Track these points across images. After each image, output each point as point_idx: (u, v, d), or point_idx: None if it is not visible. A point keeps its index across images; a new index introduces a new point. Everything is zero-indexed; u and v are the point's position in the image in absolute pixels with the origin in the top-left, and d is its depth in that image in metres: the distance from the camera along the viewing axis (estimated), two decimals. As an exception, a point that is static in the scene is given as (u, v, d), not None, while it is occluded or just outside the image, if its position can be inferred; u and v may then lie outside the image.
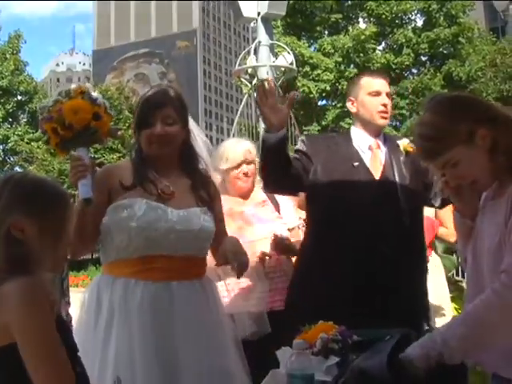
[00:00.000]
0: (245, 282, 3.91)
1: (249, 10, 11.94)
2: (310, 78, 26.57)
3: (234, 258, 3.01)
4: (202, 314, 3.01)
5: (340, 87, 26.61)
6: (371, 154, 3.70)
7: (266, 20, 12.05)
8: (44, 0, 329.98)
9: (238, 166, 4.12)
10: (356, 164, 3.63)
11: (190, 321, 2.95)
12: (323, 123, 28.48)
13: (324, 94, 27.54)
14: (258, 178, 4.10)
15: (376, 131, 3.73)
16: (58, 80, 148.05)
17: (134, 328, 2.82)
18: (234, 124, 15.24)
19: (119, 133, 3.48)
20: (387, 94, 3.74)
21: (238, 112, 14.32)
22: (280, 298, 3.94)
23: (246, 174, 4.14)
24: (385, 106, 3.69)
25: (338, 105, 27.27)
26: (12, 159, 32.40)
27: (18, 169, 32.90)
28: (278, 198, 4.31)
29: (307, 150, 3.66)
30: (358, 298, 3.44)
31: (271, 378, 2.40)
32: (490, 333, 2.16)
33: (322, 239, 3.64)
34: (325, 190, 3.60)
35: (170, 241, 2.99)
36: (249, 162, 4.13)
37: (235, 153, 4.14)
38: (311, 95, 27.40)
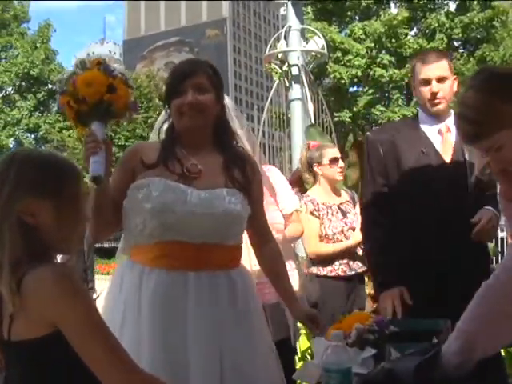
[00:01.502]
0: None
1: None
2: (342, 63, 26.40)
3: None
4: (221, 310, 2.69)
5: (372, 73, 26.43)
6: (442, 138, 3.59)
7: (296, 4, 12.02)
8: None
9: None
10: (425, 149, 3.54)
11: (205, 317, 2.65)
12: (354, 110, 28.27)
13: (355, 80, 27.29)
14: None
15: (441, 116, 3.61)
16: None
17: (144, 322, 2.59)
18: (264, 112, 15.09)
19: (138, 106, 3.30)
20: (439, 79, 3.55)
21: (268, 99, 14.16)
22: (270, 290, 3.77)
23: None
24: (433, 94, 3.54)
25: (370, 91, 27.09)
26: (43, 148, 32.68)
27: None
28: (274, 181, 4.13)
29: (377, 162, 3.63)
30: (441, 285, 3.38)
31: (305, 370, 2.29)
32: None
33: (396, 229, 3.52)
34: (394, 177, 3.58)
35: (188, 225, 2.69)
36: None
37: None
38: (342, 81, 27.19)
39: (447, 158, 3.54)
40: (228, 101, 3.09)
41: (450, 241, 3.40)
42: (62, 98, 2.74)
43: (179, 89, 2.82)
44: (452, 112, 3.59)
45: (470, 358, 2.17)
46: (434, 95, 3.55)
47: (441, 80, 3.56)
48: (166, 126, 2.99)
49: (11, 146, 35.09)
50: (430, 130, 3.62)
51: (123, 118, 2.91)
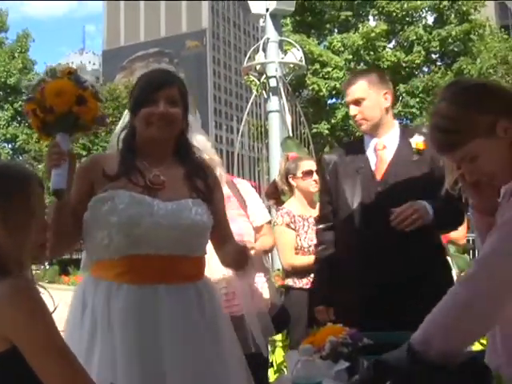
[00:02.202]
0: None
1: (257, 6, 12.07)
2: (320, 75, 26.58)
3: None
4: (193, 322, 2.66)
5: (350, 85, 26.60)
6: (377, 156, 3.66)
7: (275, 16, 12.16)
8: (55, 0, 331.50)
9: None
10: (361, 169, 3.64)
11: (178, 330, 2.61)
12: (333, 121, 28.43)
13: (334, 92, 27.44)
14: (223, 173, 3.97)
15: (378, 133, 3.68)
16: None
17: (117, 340, 2.50)
18: (242, 123, 15.13)
19: (107, 120, 3.16)
20: (355, 102, 3.66)
21: (246, 110, 14.22)
22: (239, 302, 3.79)
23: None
24: (354, 116, 3.69)
25: (348, 103, 27.28)
26: (21, 158, 32.52)
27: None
28: (244, 193, 4.15)
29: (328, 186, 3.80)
30: (372, 298, 3.44)
31: (278, 384, 2.29)
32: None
33: (336, 244, 3.79)
34: (335, 197, 3.75)
35: (155, 238, 2.64)
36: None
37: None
38: (321, 93, 27.35)
39: (379, 176, 3.61)
40: (191, 117, 3.03)
41: (379, 254, 3.49)
42: (27, 105, 2.66)
43: (151, 98, 2.76)
44: (394, 128, 3.69)
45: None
46: (354, 116, 3.67)
47: (357, 102, 3.65)
48: (123, 135, 2.90)
49: (-12, 155, 34.92)
50: (369, 149, 3.69)
51: (89, 131, 2.86)
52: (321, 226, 3.91)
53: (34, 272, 2.29)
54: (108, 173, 2.72)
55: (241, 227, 3.90)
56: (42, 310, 1.82)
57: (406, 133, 3.68)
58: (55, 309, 1.98)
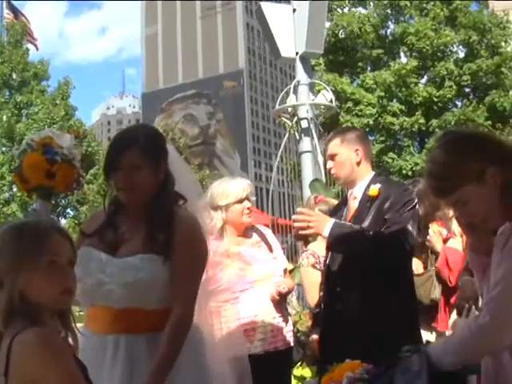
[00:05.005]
0: (249, 323, 4.08)
1: (287, 49, 12.07)
2: (353, 113, 26.58)
3: None
4: (138, 372, 2.67)
5: (383, 121, 26.63)
6: (349, 206, 4.02)
7: (304, 59, 12.20)
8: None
9: (242, 200, 4.26)
10: (338, 217, 3.97)
11: (127, 380, 2.66)
12: (368, 158, 28.25)
13: (367, 129, 27.59)
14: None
15: (349, 186, 4.05)
16: (109, 123, 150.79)
17: None
18: (276, 163, 15.43)
19: (83, 185, 3.34)
20: (330, 157, 3.99)
21: (280, 150, 14.50)
22: (282, 337, 4.22)
23: (249, 209, 4.30)
24: (329, 169, 4.05)
25: (381, 138, 27.23)
26: (64, 202, 33.02)
27: (69, 211, 33.62)
28: (270, 238, 4.48)
29: None
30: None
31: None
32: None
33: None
34: None
35: (104, 293, 2.75)
36: (249, 198, 4.31)
37: (237, 188, 4.27)
38: (354, 131, 27.16)
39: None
40: (176, 159, 3.05)
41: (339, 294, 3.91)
42: (13, 175, 2.96)
43: (114, 165, 2.82)
44: (365, 178, 3.97)
45: None
46: (329, 171, 4.04)
47: (332, 157, 3.98)
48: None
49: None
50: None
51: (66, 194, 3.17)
52: None
53: (77, 313, 2.56)
54: (85, 231, 2.92)
55: (274, 269, 4.34)
56: (63, 359, 1.91)
57: (373, 182, 3.95)
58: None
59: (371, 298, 3.75)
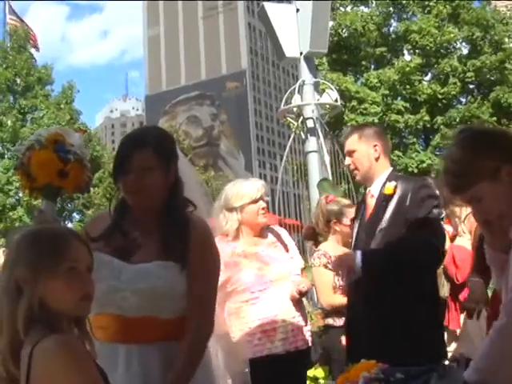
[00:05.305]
0: (269, 323, 4.07)
1: (291, 50, 12.03)
2: (358, 112, 26.56)
3: None
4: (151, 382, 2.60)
5: (387, 119, 26.61)
6: (367, 204, 4.04)
7: (309, 58, 12.16)
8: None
9: (256, 201, 4.27)
10: (358, 215, 4.06)
11: None
12: (372, 156, 28.23)
13: (372, 128, 27.50)
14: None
15: (367, 182, 4.05)
16: (113, 126, 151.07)
17: None
18: (283, 163, 15.42)
19: (90, 187, 3.15)
20: (349, 153, 4.04)
21: (286, 150, 14.49)
22: (302, 337, 4.23)
23: (264, 209, 4.30)
24: (348, 166, 4.08)
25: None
26: (70, 206, 33.06)
27: (75, 215, 33.70)
28: (285, 238, 4.50)
29: None
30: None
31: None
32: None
33: None
34: None
35: (117, 301, 2.65)
36: (263, 198, 4.31)
37: (251, 189, 4.28)
38: (359, 129, 27.16)
39: (364, 222, 3.98)
40: (182, 161, 2.94)
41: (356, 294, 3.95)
42: (18, 169, 2.81)
43: (124, 168, 2.71)
44: (383, 175, 3.96)
45: None
46: (348, 167, 4.05)
47: (350, 153, 4.00)
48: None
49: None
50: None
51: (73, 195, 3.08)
52: None
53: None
54: (91, 235, 2.71)
55: (291, 269, 4.35)
56: (86, 365, 1.92)
57: (389, 179, 3.94)
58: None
59: (400, 301, 3.74)
